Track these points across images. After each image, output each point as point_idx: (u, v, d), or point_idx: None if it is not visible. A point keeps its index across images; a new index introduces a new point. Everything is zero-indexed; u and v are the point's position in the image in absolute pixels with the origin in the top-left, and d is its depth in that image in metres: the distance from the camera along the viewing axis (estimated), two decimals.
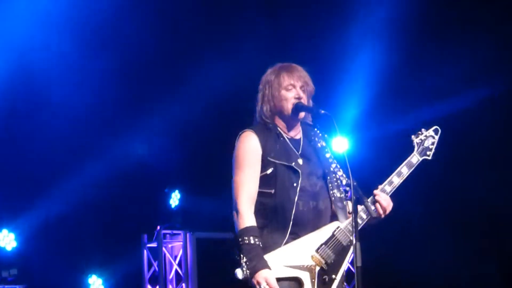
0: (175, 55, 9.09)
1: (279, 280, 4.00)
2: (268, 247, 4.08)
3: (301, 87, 4.33)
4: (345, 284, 4.23)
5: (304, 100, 4.32)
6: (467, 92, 8.80)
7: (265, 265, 3.99)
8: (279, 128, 4.34)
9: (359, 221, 4.16)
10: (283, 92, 4.31)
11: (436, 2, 8.53)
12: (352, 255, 3.98)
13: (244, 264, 3.99)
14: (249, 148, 4.24)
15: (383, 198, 4.24)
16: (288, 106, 4.29)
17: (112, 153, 9.06)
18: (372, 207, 4.17)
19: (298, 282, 4.07)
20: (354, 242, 3.83)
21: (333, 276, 4.13)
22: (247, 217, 4.09)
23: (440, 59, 8.70)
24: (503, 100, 8.63)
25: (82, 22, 8.25)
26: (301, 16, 8.95)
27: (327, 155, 4.38)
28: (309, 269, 4.10)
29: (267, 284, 3.95)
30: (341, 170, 4.30)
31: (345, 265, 4.19)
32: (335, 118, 4.13)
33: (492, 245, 8.76)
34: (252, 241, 4.03)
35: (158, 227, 9.45)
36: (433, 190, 8.89)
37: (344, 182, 4.21)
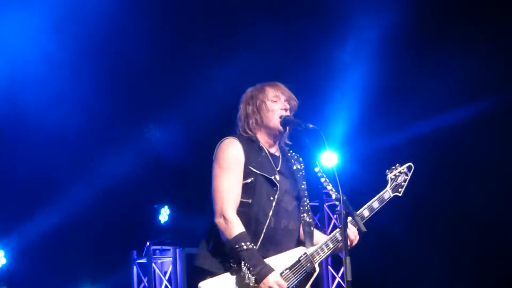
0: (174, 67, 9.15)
1: None
2: None
3: (285, 100, 4.32)
4: None
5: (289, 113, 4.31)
6: (453, 109, 8.89)
7: (271, 269, 3.99)
8: (261, 143, 4.32)
9: (325, 250, 4.20)
10: (269, 103, 4.30)
11: (424, 21, 8.65)
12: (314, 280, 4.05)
13: (247, 270, 3.95)
14: (233, 154, 4.20)
15: (352, 231, 4.22)
16: (275, 118, 4.28)
17: (101, 170, 9.05)
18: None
19: None
20: (344, 256, 3.83)
21: None
22: (236, 224, 4.06)
23: (428, 77, 8.80)
24: (488, 117, 8.72)
25: (79, 31, 8.26)
26: (294, 33, 9.01)
27: (301, 178, 4.39)
28: None
29: (279, 287, 3.96)
30: (330, 184, 4.26)
31: None
32: (323, 133, 4.12)
33: (482, 259, 8.82)
34: (250, 246, 4.00)
35: (148, 243, 9.43)
36: (420, 205, 8.93)
37: (333, 196, 4.17)
